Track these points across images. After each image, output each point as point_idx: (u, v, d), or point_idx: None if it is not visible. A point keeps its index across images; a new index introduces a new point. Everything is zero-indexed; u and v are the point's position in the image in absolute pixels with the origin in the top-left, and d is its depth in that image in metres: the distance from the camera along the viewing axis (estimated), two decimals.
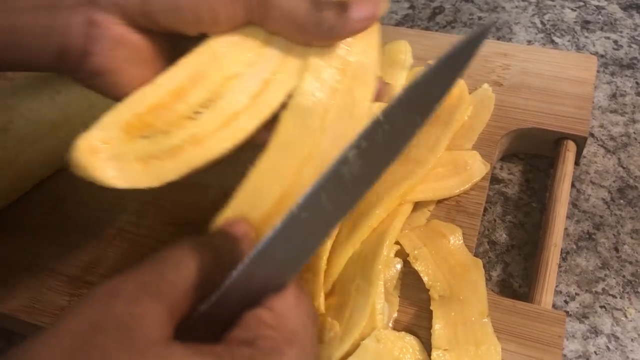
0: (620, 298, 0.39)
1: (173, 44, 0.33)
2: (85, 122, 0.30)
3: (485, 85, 0.48)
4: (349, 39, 0.38)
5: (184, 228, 0.42)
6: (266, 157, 0.35)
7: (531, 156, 0.47)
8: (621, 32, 0.57)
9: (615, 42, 0.56)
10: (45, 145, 0.44)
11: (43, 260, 0.41)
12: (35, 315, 0.39)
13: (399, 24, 0.60)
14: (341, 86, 0.38)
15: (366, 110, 0.36)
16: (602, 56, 0.54)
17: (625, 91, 0.51)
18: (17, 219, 0.44)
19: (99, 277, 0.40)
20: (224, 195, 0.43)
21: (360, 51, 0.41)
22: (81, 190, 0.45)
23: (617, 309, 0.39)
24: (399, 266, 0.38)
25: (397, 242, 0.38)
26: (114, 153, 0.32)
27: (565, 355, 0.37)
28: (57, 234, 0.43)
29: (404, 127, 0.29)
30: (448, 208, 0.41)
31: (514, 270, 0.41)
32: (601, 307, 0.39)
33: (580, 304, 0.39)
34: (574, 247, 0.42)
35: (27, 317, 0.39)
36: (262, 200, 0.34)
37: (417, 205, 0.41)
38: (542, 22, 0.59)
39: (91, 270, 0.40)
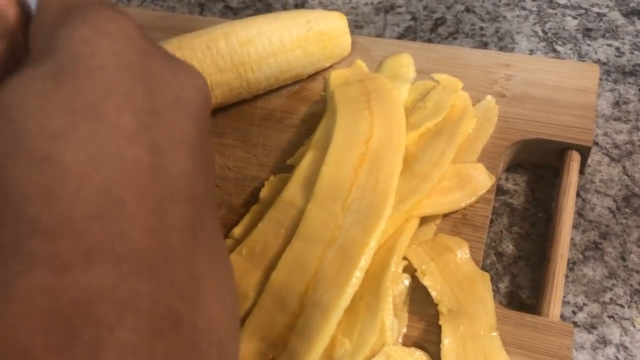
0: (629, 307, 0.40)
1: None
2: None
3: (489, 97, 0.48)
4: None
5: None
6: (290, 251, 0.37)
7: (536, 166, 0.48)
8: (623, 39, 0.57)
9: (617, 49, 0.56)
10: None
11: None
12: None
13: (401, 36, 0.61)
14: (365, 163, 0.39)
15: (391, 184, 0.38)
16: (604, 64, 0.55)
17: (628, 98, 0.51)
18: None
19: None
20: (232, 213, 0.44)
21: (384, 123, 0.42)
22: None
23: (625, 319, 0.39)
24: (407, 282, 0.38)
25: (404, 258, 0.39)
26: None
27: None
28: None
29: None
30: (454, 221, 0.42)
31: (521, 281, 0.42)
32: (609, 317, 0.39)
33: (588, 314, 0.40)
34: (581, 257, 0.42)
35: None
36: (288, 299, 0.36)
37: (424, 220, 0.41)
38: (543, 31, 0.59)
39: None
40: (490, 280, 0.38)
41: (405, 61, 0.52)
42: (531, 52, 0.57)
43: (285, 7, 0.67)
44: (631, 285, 0.41)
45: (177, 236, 0.21)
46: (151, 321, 0.19)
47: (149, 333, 0.18)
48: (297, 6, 0.66)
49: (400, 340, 0.36)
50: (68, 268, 0.18)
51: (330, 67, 0.53)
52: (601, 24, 0.59)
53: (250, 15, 0.59)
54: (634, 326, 0.39)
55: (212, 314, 0.21)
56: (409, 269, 0.39)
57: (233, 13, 0.67)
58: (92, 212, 0.19)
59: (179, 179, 0.22)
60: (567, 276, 0.41)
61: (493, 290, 0.37)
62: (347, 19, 0.53)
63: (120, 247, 0.19)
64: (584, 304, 0.40)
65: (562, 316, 0.39)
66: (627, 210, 0.44)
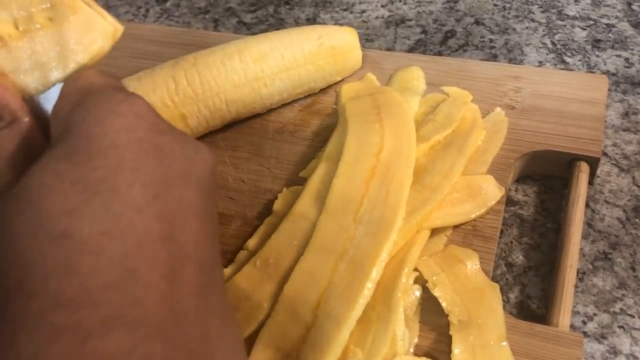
0: (639, 318, 0.40)
1: None
2: None
3: (498, 109, 0.49)
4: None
5: None
6: (303, 263, 0.38)
7: (545, 177, 0.48)
8: (632, 49, 0.57)
9: (627, 60, 0.56)
10: None
11: None
12: None
13: (411, 49, 0.62)
14: (375, 175, 0.40)
15: (402, 196, 0.39)
16: (613, 74, 0.55)
17: (637, 109, 0.52)
18: None
19: None
20: (247, 225, 0.45)
21: (394, 135, 0.43)
22: None
23: (635, 329, 0.39)
24: (418, 292, 0.39)
25: (415, 269, 0.40)
26: None
27: None
28: None
29: None
30: (465, 233, 0.42)
31: (531, 291, 0.42)
32: (619, 327, 0.40)
33: (598, 325, 0.40)
34: (590, 267, 0.43)
35: None
36: (301, 310, 0.37)
37: (434, 232, 0.42)
38: (552, 43, 0.60)
39: None
40: (500, 290, 0.38)
41: (415, 74, 0.53)
42: (540, 63, 0.58)
43: (297, 22, 0.68)
44: None
45: (188, 299, 0.23)
46: None
47: None
48: (309, 21, 0.68)
49: (411, 350, 0.37)
50: (88, 336, 0.20)
51: (342, 80, 0.54)
52: (610, 35, 0.59)
53: (264, 30, 0.61)
54: None
55: None
56: (420, 280, 0.39)
57: (247, 28, 0.68)
58: (108, 282, 0.21)
59: (188, 246, 0.23)
60: (576, 286, 0.42)
61: (503, 300, 0.38)
62: (358, 33, 0.54)
63: (135, 313, 0.21)
64: (594, 314, 0.40)
65: (572, 326, 0.39)
66: (637, 220, 0.45)
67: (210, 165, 0.27)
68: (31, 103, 0.28)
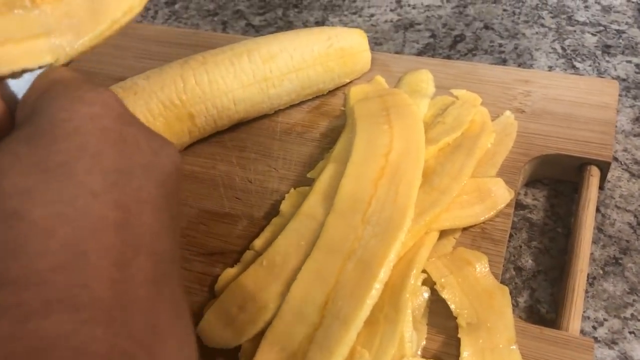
0: None
1: None
2: None
3: (508, 113, 0.49)
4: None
5: (216, 258, 0.43)
6: (310, 263, 0.37)
7: (555, 181, 0.48)
8: None
9: (637, 65, 0.56)
10: None
11: None
12: None
13: (420, 53, 0.62)
14: (384, 176, 0.40)
15: (411, 197, 0.38)
16: (623, 80, 0.55)
17: None
18: None
19: None
20: (253, 225, 0.45)
21: (403, 137, 0.43)
22: None
23: None
24: (426, 294, 0.38)
25: (423, 271, 0.39)
26: None
27: None
28: None
29: None
30: (474, 235, 0.42)
31: (540, 296, 0.42)
32: (630, 332, 0.39)
33: (609, 330, 0.39)
34: (601, 272, 0.42)
35: None
36: (308, 310, 0.36)
37: (443, 233, 0.42)
38: (562, 48, 0.59)
39: None
40: (510, 294, 0.38)
41: (424, 77, 0.53)
42: (550, 68, 0.58)
43: (306, 25, 0.68)
44: None
45: (139, 288, 0.22)
46: None
47: None
48: (317, 24, 0.68)
49: (419, 352, 0.37)
50: (29, 317, 0.20)
51: (350, 82, 0.54)
52: (620, 40, 0.59)
53: (272, 32, 0.61)
54: None
55: None
56: (428, 282, 0.39)
57: (255, 31, 0.68)
58: (56, 265, 0.21)
59: (143, 236, 0.24)
60: (587, 291, 0.41)
61: (512, 304, 0.38)
62: (367, 36, 0.54)
63: (81, 296, 0.21)
64: (605, 320, 0.40)
65: (582, 331, 0.39)
66: None
67: (175, 163, 0.27)
68: (2, 91, 0.28)
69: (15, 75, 0.29)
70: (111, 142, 0.24)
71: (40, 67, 0.29)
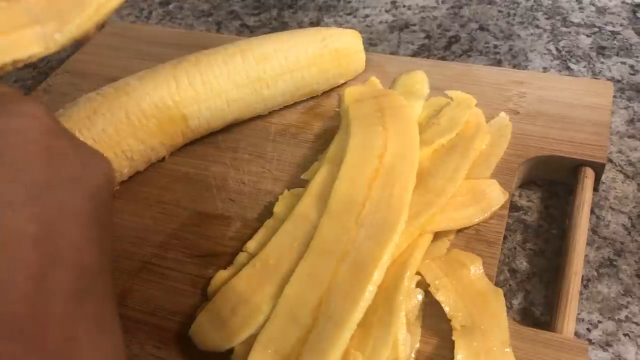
0: None
1: None
2: None
3: (502, 114, 0.48)
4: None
5: (209, 260, 0.43)
6: (304, 265, 0.37)
7: (550, 183, 0.48)
8: (637, 57, 0.57)
9: (632, 67, 0.56)
10: None
11: None
12: None
13: (415, 54, 0.61)
14: (378, 178, 0.40)
15: (405, 199, 0.38)
16: (618, 81, 0.55)
17: None
18: None
19: (127, 310, 0.41)
20: (247, 227, 0.44)
21: (398, 138, 0.43)
22: None
23: None
24: (420, 297, 0.38)
25: (418, 273, 0.39)
26: None
27: None
28: None
29: None
30: (468, 237, 0.42)
31: (535, 298, 0.41)
32: (625, 334, 0.39)
33: (603, 332, 0.39)
34: (595, 274, 0.42)
35: None
36: (301, 312, 0.36)
37: (437, 235, 0.41)
38: (557, 49, 0.59)
39: (119, 303, 0.41)
40: (504, 296, 0.38)
41: (419, 78, 0.52)
42: (545, 70, 0.57)
43: (300, 26, 0.68)
44: None
45: (57, 301, 0.22)
46: None
47: None
48: (312, 24, 0.67)
49: (413, 355, 0.36)
50: None
51: (345, 83, 0.54)
52: (615, 42, 0.59)
53: (267, 33, 0.60)
54: None
55: None
56: (422, 284, 0.39)
57: (249, 31, 0.68)
58: None
59: (65, 249, 0.23)
60: (581, 293, 0.41)
61: (506, 306, 0.37)
62: (362, 37, 0.54)
63: None
64: (599, 322, 0.40)
65: (576, 333, 0.39)
66: None
67: (106, 175, 0.27)
68: None
69: (6, 67, 0.28)
70: (36, 155, 0.24)
71: (30, 57, 0.29)
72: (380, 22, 0.66)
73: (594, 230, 0.44)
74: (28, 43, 0.28)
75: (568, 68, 0.57)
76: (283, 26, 0.68)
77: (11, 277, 0.21)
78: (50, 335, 0.21)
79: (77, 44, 0.67)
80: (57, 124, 0.26)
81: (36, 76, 0.66)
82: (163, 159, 0.50)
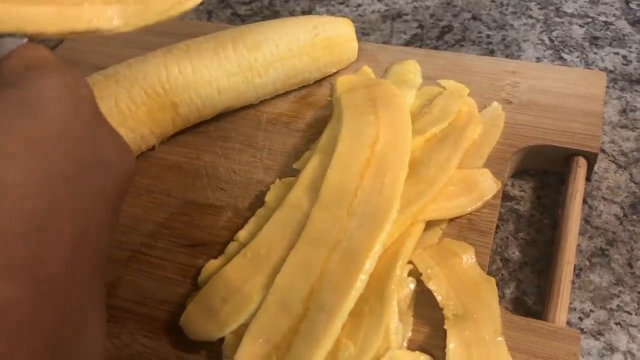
0: (636, 314, 0.39)
1: None
2: None
3: (495, 104, 0.48)
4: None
5: (199, 249, 0.42)
6: (295, 255, 0.37)
7: (542, 173, 0.48)
8: (630, 47, 0.57)
9: (624, 57, 0.56)
10: None
11: None
12: None
13: (407, 43, 0.61)
14: (370, 167, 0.40)
15: (397, 188, 0.38)
16: (611, 71, 0.55)
17: (635, 106, 0.51)
18: None
19: (117, 299, 0.40)
20: (238, 216, 0.44)
21: (390, 127, 0.43)
22: None
23: (632, 326, 0.39)
24: (412, 286, 0.38)
25: (410, 262, 0.39)
26: None
27: None
28: None
29: None
30: (460, 226, 0.41)
31: (527, 287, 0.41)
32: (616, 323, 0.39)
33: (595, 321, 0.39)
34: (587, 263, 0.42)
35: None
36: (292, 302, 0.36)
37: (429, 224, 0.41)
38: (550, 39, 0.59)
39: (109, 292, 0.41)
40: (496, 285, 0.38)
41: (411, 67, 0.52)
42: (538, 60, 0.57)
43: (292, 14, 0.67)
44: (638, 293, 0.40)
45: (81, 275, 0.24)
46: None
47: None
48: (304, 13, 0.67)
49: (405, 344, 0.36)
50: None
51: (337, 72, 0.54)
52: (608, 32, 0.59)
53: (258, 22, 0.60)
54: None
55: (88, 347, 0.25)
56: (415, 273, 0.39)
57: (241, 20, 0.67)
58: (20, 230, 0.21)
59: (93, 227, 0.25)
60: (573, 282, 0.41)
61: (499, 296, 0.37)
62: (354, 26, 0.53)
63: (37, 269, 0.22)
64: (591, 311, 0.40)
65: (568, 323, 0.39)
66: (634, 217, 0.44)
67: (131, 168, 0.28)
68: None
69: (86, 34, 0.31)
70: (87, 136, 0.25)
71: (109, 30, 0.31)
72: (373, 12, 0.65)
73: (586, 220, 0.44)
74: (111, 17, 0.31)
75: (561, 58, 0.57)
76: (275, 15, 0.67)
77: (58, 238, 0.22)
78: (74, 303, 0.23)
79: None
80: (99, 110, 0.27)
81: None
82: (153, 147, 0.49)
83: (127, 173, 0.27)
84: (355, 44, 0.53)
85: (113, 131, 0.28)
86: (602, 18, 0.60)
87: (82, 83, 0.26)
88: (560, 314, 0.37)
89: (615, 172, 0.47)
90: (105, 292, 0.27)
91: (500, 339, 0.35)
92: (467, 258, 0.39)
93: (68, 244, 0.23)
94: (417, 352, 0.35)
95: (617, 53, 0.56)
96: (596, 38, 0.58)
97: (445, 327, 0.36)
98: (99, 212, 0.25)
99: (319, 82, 0.53)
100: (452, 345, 0.35)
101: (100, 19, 0.31)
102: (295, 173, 0.44)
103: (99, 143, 0.26)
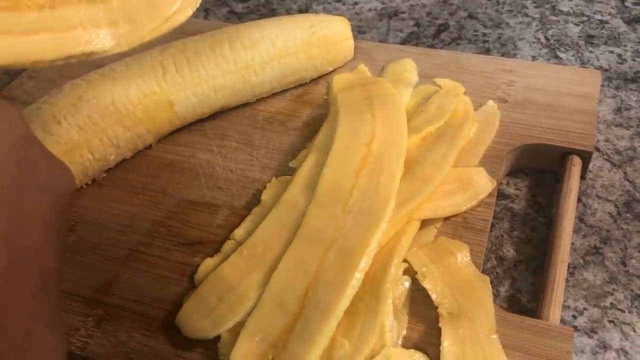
0: (629, 312, 0.40)
1: None
2: None
3: (491, 102, 0.48)
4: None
5: (196, 248, 0.43)
6: (291, 253, 0.37)
7: (537, 171, 0.48)
8: (625, 46, 0.57)
9: (620, 56, 0.56)
10: None
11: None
12: None
13: (404, 42, 0.61)
14: (366, 165, 0.40)
15: (393, 186, 0.38)
16: (606, 70, 0.55)
17: (630, 105, 0.52)
18: None
19: (114, 297, 0.41)
20: (234, 215, 0.44)
21: (386, 126, 0.43)
22: (95, 211, 0.46)
23: (625, 324, 0.39)
24: (407, 284, 0.38)
25: (405, 260, 0.39)
26: None
27: None
28: (71, 256, 0.44)
29: None
30: (455, 225, 0.42)
31: (521, 285, 0.42)
32: (610, 321, 0.39)
33: (588, 319, 0.40)
34: (581, 261, 0.42)
35: None
36: (288, 300, 0.36)
37: (425, 223, 0.41)
38: (546, 38, 0.59)
39: (105, 291, 0.41)
40: (491, 283, 0.38)
41: (407, 66, 0.52)
42: (533, 58, 0.57)
43: (289, 13, 0.67)
44: (632, 290, 0.40)
45: (21, 297, 0.24)
46: None
47: None
48: (300, 11, 0.67)
49: (400, 342, 0.36)
50: None
51: (333, 71, 0.54)
52: (603, 31, 0.59)
53: (255, 20, 0.60)
54: (634, 331, 0.39)
55: None
56: (410, 272, 0.39)
57: (237, 18, 0.67)
58: None
59: (31, 250, 0.25)
60: (567, 281, 0.41)
61: (493, 294, 0.37)
62: (351, 25, 0.53)
63: None
64: (585, 309, 0.40)
65: (562, 320, 0.39)
66: (628, 215, 0.44)
67: (69, 187, 0.28)
68: None
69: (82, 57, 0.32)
70: (14, 160, 0.25)
71: (104, 51, 0.33)
72: (369, 10, 0.65)
73: (580, 218, 0.45)
74: (104, 39, 0.32)
75: (556, 57, 0.57)
76: (271, 13, 0.67)
77: None
78: (13, 328, 0.23)
79: None
80: (31, 132, 0.27)
81: None
82: (150, 146, 0.49)
83: (65, 192, 0.28)
84: (351, 43, 0.53)
85: (47, 153, 0.28)
86: (598, 16, 0.61)
87: (4, 106, 0.26)
88: (554, 312, 0.37)
89: (609, 171, 0.47)
90: (59, 307, 0.28)
91: (495, 336, 0.35)
92: (462, 256, 0.39)
93: (3, 270, 0.23)
94: (412, 350, 0.36)
95: (612, 52, 0.57)
96: (592, 37, 0.59)
97: (440, 325, 0.36)
98: (37, 235, 0.25)
99: (315, 80, 0.53)
100: (446, 343, 0.35)
101: (94, 42, 0.32)
102: (292, 171, 0.45)
103: (31, 166, 0.26)
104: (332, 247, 0.37)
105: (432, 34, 0.62)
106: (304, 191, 0.42)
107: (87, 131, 0.45)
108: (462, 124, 0.46)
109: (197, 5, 0.37)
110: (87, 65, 0.54)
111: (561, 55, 0.57)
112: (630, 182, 0.46)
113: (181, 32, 0.56)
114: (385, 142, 0.42)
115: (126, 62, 0.48)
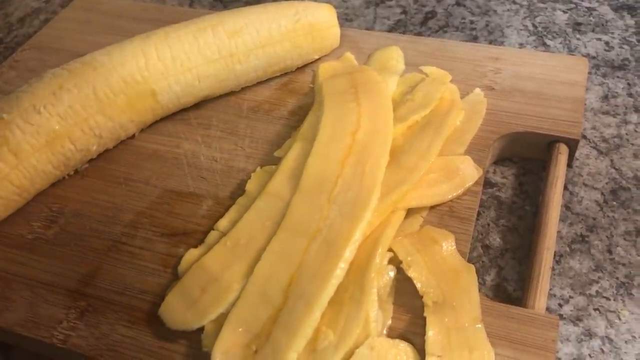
0: (614, 300, 0.39)
1: None
2: None
3: (477, 90, 0.48)
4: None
5: (179, 238, 0.42)
6: (275, 243, 0.37)
7: (524, 159, 0.48)
8: (612, 33, 0.57)
9: (607, 43, 0.56)
10: None
11: (40, 274, 0.42)
12: (34, 329, 0.39)
13: (391, 29, 0.61)
14: (351, 155, 0.39)
15: (378, 176, 0.38)
16: (593, 57, 0.55)
17: (617, 92, 0.51)
18: (14, 233, 0.45)
19: (97, 289, 0.40)
20: (218, 205, 0.44)
21: (371, 115, 0.42)
22: (77, 202, 0.45)
23: (611, 311, 0.39)
24: (392, 273, 0.38)
25: (390, 249, 0.39)
26: None
27: (559, 359, 0.37)
28: (53, 247, 0.43)
29: None
30: (441, 214, 0.41)
31: (508, 274, 0.41)
32: (595, 309, 0.39)
33: (574, 307, 0.39)
34: (568, 250, 0.42)
35: (25, 332, 0.39)
36: (272, 290, 0.36)
37: (410, 212, 0.41)
38: (533, 25, 0.59)
39: (88, 282, 0.41)
40: (477, 272, 0.38)
41: (394, 54, 0.52)
42: (521, 45, 0.57)
43: (275, 0, 0.66)
44: (617, 278, 0.40)
45: None
46: None
47: None
48: None
49: (385, 332, 0.36)
50: None
51: (319, 59, 0.53)
52: (591, 18, 0.59)
53: (240, 7, 0.59)
54: (619, 319, 0.39)
55: None
56: (395, 261, 0.38)
57: (223, 6, 0.66)
58: None
59: None
60: (553, 269, 0.41)
61: (479, 282, 0.37)
62: (337, 12, 0.53)
63: None
64: (570, 297, 0.40)
65: (548, 309, 0.39)
66: (614, 203, 0.44)
67: None
68: None
69: None
70: None
71: None
72: None
73: (567, 207, 0.44)
74: None
75: (544, 44, 0.57)
76: (257, 1, 0.66)
77: None
78: None
79: (46, 19, 0.65)
80: None
81: (2, 51, 0.64)
82: (133, 136, 0.49)
83: None
84: (337, 30, 0.53)
85: None
86: (586, 4, 0.60)
87: None
88: (540, 300, 0.37)
89: (596, 159, 0.47)
90: None
91: (480, 326, 0.35)
92: (447, 245, 0.39)
93: None
94: (397, 339, 0.35)
95: (599, 39, 0.56)
96: (579, 24, 0.58)
97: (425, 314, 0.36)
98: None
99: (301, 69, 0.53)
100: (431, 332, 0.35)
101: None
102: (277, 161, 0.44)
103: None
104: (316, 237, 0.37)
105: (420, 22, 0.61)
106: (288, 181, 0.41)
107: (69, 121, 0.44)
108: (449, 112, 0.45)
109: None
110: (69, 54, 0.53)
111: (549, 42, 0.57)
112: (616, 169, 0.46)
113: (165, 21, 0.56)
114: (371, 131, 0.42)
115: (108, 50, 0.47)
